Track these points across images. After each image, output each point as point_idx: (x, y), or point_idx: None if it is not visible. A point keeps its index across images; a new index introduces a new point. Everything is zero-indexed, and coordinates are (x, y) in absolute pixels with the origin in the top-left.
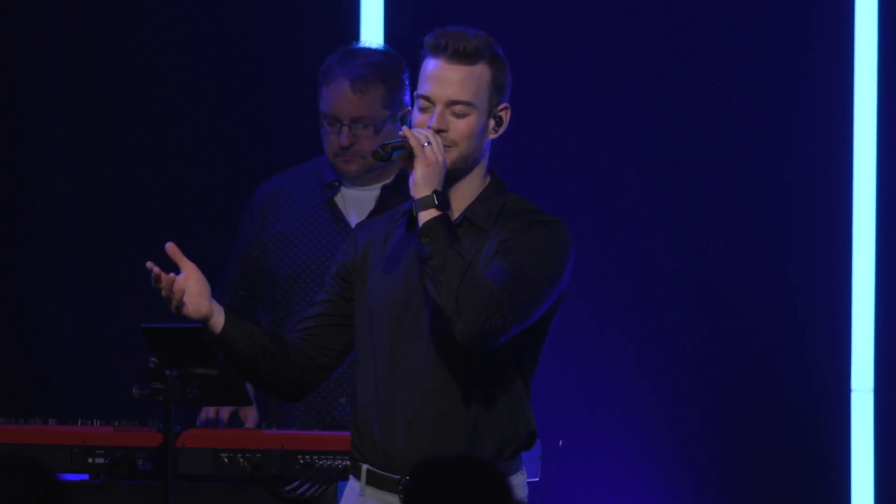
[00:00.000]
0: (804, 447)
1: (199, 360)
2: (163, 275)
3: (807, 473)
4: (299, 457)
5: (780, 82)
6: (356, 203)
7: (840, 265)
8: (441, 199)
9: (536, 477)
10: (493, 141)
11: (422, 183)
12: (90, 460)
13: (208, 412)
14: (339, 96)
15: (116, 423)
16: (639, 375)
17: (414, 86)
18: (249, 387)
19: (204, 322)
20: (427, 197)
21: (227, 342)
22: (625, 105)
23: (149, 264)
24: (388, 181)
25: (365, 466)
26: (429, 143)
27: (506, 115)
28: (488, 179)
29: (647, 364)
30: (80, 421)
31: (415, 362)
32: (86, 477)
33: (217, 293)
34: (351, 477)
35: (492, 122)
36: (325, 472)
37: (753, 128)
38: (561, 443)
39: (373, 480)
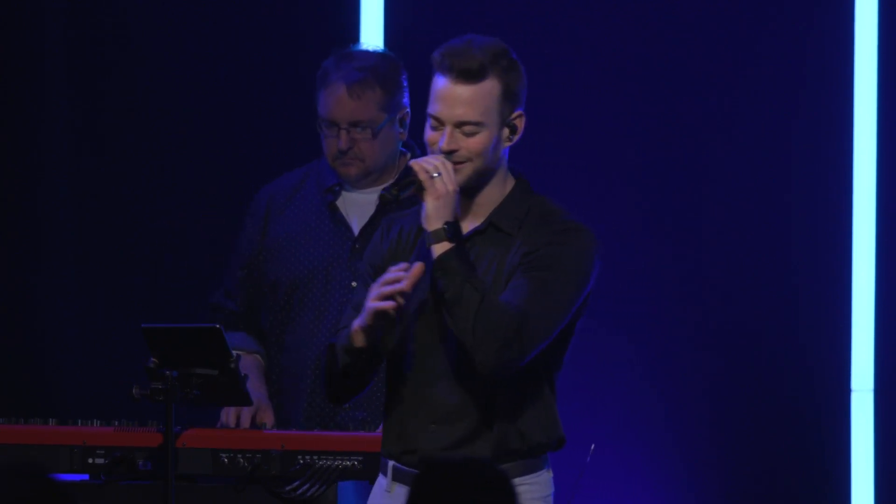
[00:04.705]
0: (804, 447)
1: (199, 360)
2: (398, 310)
3: (807, 473)
4: (299, 457)
5: (780, 82)
6: (357, 207)
7: (840, 265)
8: (453, 230)
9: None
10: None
11: (433, 216)
12: (90, 460)
13: (228, 416)
14: (336, 100)
15: (116, 423)
16: (637, 376)
17: (413, 88)
18: (249, 387)
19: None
20: (438, 230)
21: (359, 353)
22: (623, 105)
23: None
24: (388, 185)
25: (391, 463)
26: (438, 174)
27: (520, 123)
28: (512, 182)
29: (645, 364)
30: (80, 421)
31: (442, 363)
32: (86, 477)
33: (219, 297)
34: (380, 474)
35: (506, 132)
36: (325, 472)
37: (753, 128)
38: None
39: (399, 477)
